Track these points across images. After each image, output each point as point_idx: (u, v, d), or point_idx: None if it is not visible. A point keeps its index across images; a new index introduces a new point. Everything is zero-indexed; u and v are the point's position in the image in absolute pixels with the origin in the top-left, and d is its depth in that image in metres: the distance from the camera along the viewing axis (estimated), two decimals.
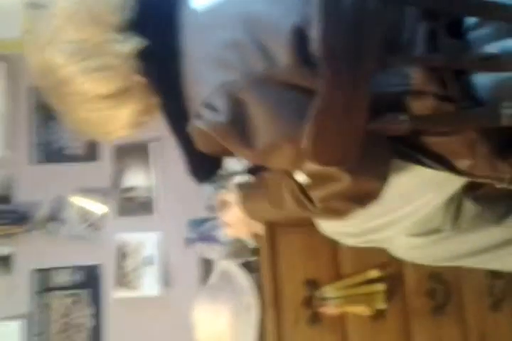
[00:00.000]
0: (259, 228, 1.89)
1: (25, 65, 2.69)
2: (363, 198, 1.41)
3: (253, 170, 1.85)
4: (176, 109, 1.36)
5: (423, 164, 1.40)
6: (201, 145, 1.35)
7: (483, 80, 1.28)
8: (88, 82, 1.33)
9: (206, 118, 1.26)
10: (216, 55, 1.29)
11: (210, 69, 1.28)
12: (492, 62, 1.24)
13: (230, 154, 1.38)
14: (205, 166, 1.50)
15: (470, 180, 1.50)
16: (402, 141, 1.33)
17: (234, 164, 2.19)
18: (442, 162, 1.38)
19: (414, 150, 1.37)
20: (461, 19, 1.32)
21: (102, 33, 1.33)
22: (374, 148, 1.29)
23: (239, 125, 1.25)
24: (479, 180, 1.42)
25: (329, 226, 1.89)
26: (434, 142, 1.35)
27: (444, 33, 1.27)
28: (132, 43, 1.34)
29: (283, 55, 1.23)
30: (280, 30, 1.24)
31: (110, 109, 1.39)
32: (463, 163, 1.37)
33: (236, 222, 1.84)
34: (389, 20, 1.26)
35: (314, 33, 1.14)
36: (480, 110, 1.27)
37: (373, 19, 1.15)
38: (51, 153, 2.86)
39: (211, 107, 1.25)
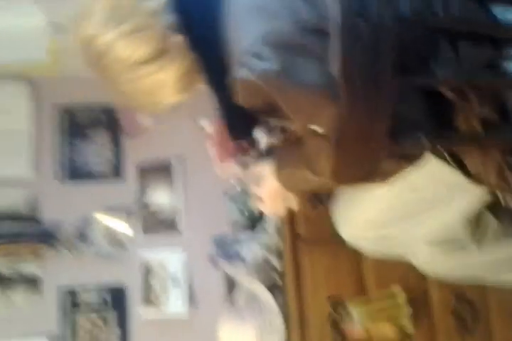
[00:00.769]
0: (294, 202, 1.82)
1: (49, 86, 2.75)
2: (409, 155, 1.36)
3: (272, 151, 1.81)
4: (214, 62, 1.34)
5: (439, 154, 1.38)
6: (242, 97, 1.32)
7: None
8: (126, 47, 1.32)
9: (253, 67, 1.22)
10: (260, 5, 1.27)
11: (253, 19, 1.26)
12: (509, 80, 1.23)
13: (271, 109, 1.34)
14: (242, 123, 1.45)
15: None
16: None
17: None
18: (455, 158, 1.37)
19: None
20: None
21: None
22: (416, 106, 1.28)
23: (287, 72, 1.20)
24: (484, 186, 1.40)
25: (349, 233, 1.88)
26: None
27: (468, 43, 1.26)
28: None
29: (330, 5, 1.20)
30: None
31: (153, 74, 1.37)
32: (473, 164, 1.36)
33: (271, 195, 1.76)
34: (410, 38, 1.25)
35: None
36: (503, 131, 1.27)
37: (391, 42, 1.15)
38: (76, 173, 2.89)
39: (258, 55, 1.21)
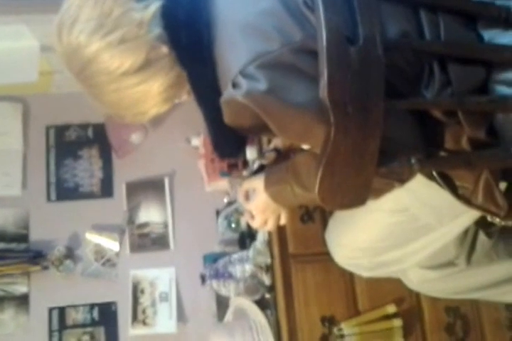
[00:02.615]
0: (284, 216, 1.79)
1: (39, 106, 2.75)
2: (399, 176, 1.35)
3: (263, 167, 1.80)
4: (204, 79, 1.32)
5: (433, 177, 1.39)
6: (231, 117, 1.31)
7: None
8: (113, 57, 1.30)
9: (245, 88, 1.21)
10: (252, 24, 1.26)
11: (246, 38, 1.25)
12: (500, 104, 1.24)
13: (259, 130, 1.34)
14: (230, 141, 1.43)
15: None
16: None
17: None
18: (448, 181, 1.37)
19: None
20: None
21: (120, 5, 1.31)
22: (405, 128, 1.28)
23: (277, 92, 1.20)
24: (473, 209, 1.40)
25: (343, 259, 1.89)
26: None
27: (458, 66, 1.27)
28: (152, 9, 1.31)
29: (318, 29, 1.18)
30: None
31: (138, 85, 1.34)
32: (463, 187, 1.37)
33: (261, 209, 1.74)
34: (399, 60, 1.26)
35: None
36: (493, 152, 1.27)
37: (381, 67, 1.15)
38: (66, 191, 2.88)
39: (250, 76, 1.21)
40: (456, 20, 1.32)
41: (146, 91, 1.37)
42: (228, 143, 1.44)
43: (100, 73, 1.33)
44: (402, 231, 1.67)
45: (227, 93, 1.26)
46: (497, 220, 1.42)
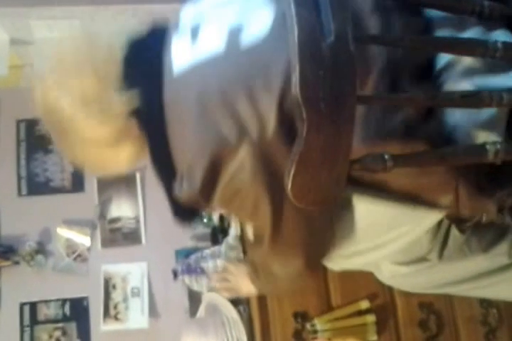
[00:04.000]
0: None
1: (10, 100, 2.72)
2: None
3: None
4: (162, 159, 1.35)
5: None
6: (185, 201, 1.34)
7: (458, 119, 1.28)
8: (89, 125, 1.32)
9: (184, 185, 1.27)
10: (205, 107, 1.26)
11: (194, 129, 1.27)
12: (472, 99, 1.23)
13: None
14: (187, 213, 1.46)
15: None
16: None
17: None
18: (416, 200, 1.37)
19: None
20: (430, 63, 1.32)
21: (101, 80, 1.32)
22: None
23: (207, 192, 1.25)
24: (466, 215, 1.40)
25: None
26: (405, 183, 1.34)
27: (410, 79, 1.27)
28: (129, 97, 1.32)
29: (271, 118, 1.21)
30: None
31: (108, 148, 1.38)
32: (446, 199, 1.36)
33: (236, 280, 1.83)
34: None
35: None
36: (468, 147, 1.27)
37: (351, 61, 1.15)
38: (37, 186, 2.86)
39: (190, 173, 1.25)
40: None
41: (113, 154, 1.40)
42: (186, 213, 1.46)
43: (74, 133, 1.35)
44: (371, 223, 1.66)
45: (177, 186, 1.29)
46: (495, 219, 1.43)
